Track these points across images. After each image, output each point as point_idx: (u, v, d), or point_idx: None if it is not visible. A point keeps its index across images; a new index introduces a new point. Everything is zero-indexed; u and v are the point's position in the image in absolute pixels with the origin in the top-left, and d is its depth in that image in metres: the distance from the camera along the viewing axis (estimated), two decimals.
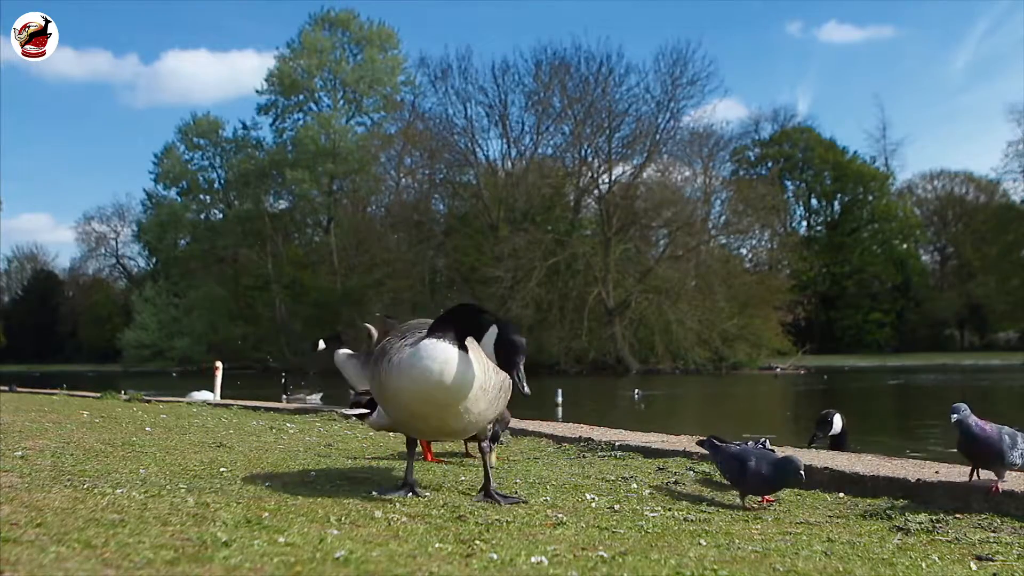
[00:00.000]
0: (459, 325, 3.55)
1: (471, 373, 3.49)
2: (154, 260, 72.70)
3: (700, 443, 4.45)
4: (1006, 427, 3.87)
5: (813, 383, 33.12)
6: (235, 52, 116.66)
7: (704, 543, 3.03)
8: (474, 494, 3.87)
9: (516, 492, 4.00)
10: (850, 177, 69.63)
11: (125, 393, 12.00)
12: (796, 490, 4.38)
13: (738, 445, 4.21)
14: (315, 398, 12.58)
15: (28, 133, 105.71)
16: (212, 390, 13.08)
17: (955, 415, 3.88)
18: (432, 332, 3.54)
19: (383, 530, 2.91)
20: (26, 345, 74.58)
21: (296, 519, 2.98)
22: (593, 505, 3.78)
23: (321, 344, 8.65)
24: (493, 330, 3.45)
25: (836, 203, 71.90)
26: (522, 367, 3.41)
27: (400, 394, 3.57)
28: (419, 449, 5.22)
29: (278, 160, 64.13)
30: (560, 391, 19.63)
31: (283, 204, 66.78)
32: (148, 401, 10.70)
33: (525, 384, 3.37)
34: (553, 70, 51.42)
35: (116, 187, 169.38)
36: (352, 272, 55.86)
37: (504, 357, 3.43)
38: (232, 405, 9.83)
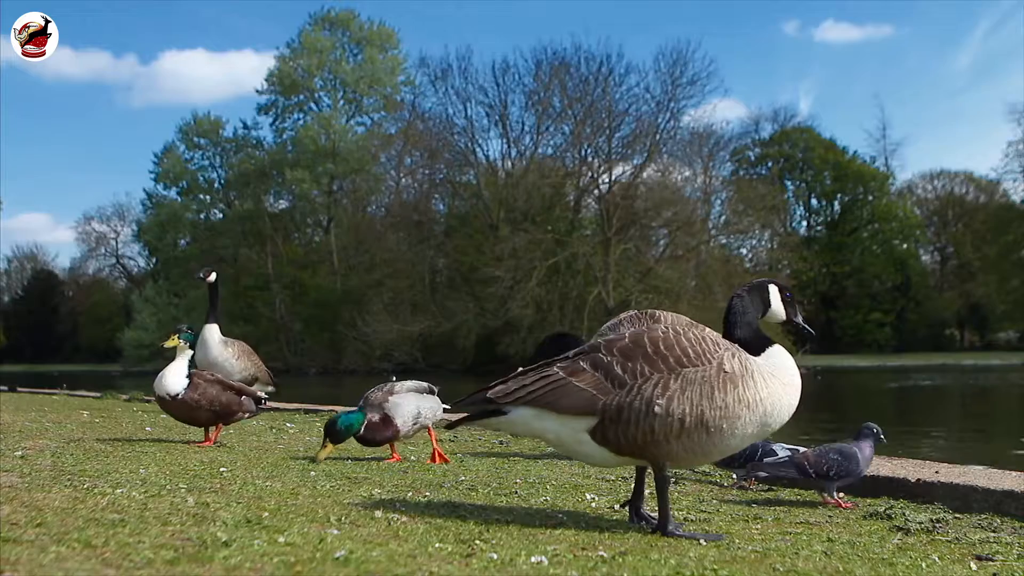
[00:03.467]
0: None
1: None
2: (154, 260, 72.69)
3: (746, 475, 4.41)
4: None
5: (808, 383, 33.10)
6: (233, 52, 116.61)
7: (704, 543, 3.03)
8: (474, 493, 3.86)
9: (517, 493, 4.00)
10: (850, 177, 69.63)
11: (125, 393, 12.00)
12: (796, 490, 4.38)
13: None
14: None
15: (28, 133, 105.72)
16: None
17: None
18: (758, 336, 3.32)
19: (383, 530, 2.91)
20: (26, 345, 74.58)
21: (296, 519, 2.98)
22: (593, 505, 3.78)
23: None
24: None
25: (836, 203, 71.92)
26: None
27: (768, 405, 3.16)
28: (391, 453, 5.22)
29: (278, 160, 64.14)
30: None
31: (283, 204, 66.80)
32: (148, 401, 10.69)
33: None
34: (553, 70, 51.43)
35: (116, 187, 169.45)
36: (352, 272, 55.84)
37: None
38: None
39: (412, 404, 5.08)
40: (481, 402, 3.25)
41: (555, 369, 3.23)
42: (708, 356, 3.17)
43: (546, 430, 3.24)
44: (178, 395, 5.37)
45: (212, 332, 8.40)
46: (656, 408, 3.10)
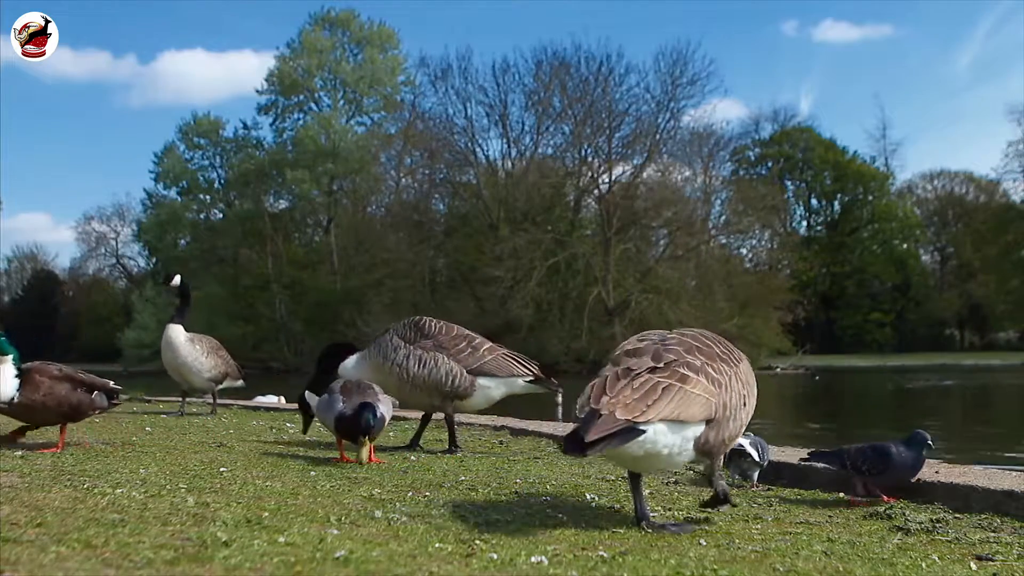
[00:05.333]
0: None
1: None
2: (154, 260, 72.70)
3: (807, 459, 4.37)
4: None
5: (807, 383, 33.14)
6: (232, 52, 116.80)
7: (704, 543, 3.03)
8: (474, 493, 3.86)
9: (517, 492, 4.00)
10: (850, 177, 69.69)
11: (126, 393, 11.98)
12: (796, 490, 4.38)
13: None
14: None
15: (28, 133, 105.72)
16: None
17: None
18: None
19: (383, 530, 2.91)
20: (26, 345, 74.08)
21: (296, 519, 2.98)
22: (593, 505, 3.78)
23: None
24: None
25: (836, 203, 72.01)
26: None
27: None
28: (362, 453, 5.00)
29: (278, 160, 64.14)
30: (560, 391, 19.58)
31: (283, 204, 66.82)
32: (148, 401, 10.69)
33: None
34: (553, 70, 51.47)
35: (116, 187, 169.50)
36: (352, 272, 55.85)
37: None
38: (232, 405, 9.82)
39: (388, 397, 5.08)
40: (622, 424, 2.91)
41: (658, 378, 3.07)
42: (737, 353, 3.40)
43: (669, 444, 3.09)
44: (13, 399, 4.87)
45: (176, 333, 8.22)
46: (745, 403, 3.30)
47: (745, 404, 3.31)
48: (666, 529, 3.19)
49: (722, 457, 3.37)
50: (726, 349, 3.37)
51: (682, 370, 3.12)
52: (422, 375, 5.56)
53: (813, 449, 4.44)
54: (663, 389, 3.03)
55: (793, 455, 4.90)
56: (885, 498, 4.01)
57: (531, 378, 5.75)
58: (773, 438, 5.03)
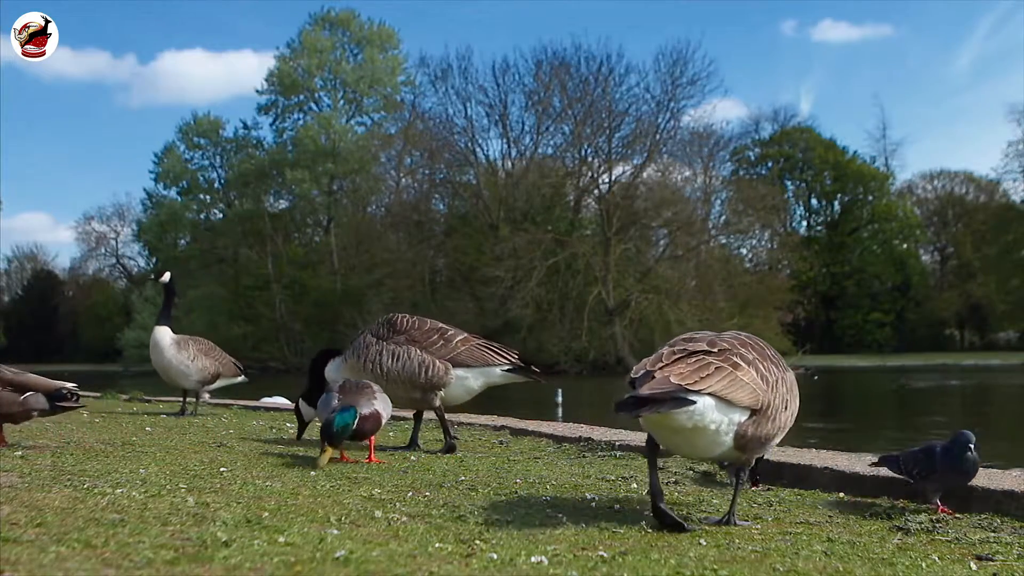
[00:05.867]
0: None
1: None
2: (154, 260, 72.71)
3: (876, 463, 4.23)
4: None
5: (806, 383, 33.14)
6: (231, 52, 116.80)
7: (704, 543, 3.03)
8: (474, 493, 3.86)
9: (517, 492, 4.00)
10: (850, 177, 69.67)
11: (126, 393, 11.99)
12: (796, 490, 4.38)
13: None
14: None
15: (28, 133, 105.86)
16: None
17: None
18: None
19: (383, 530, 2.91)
20: (26, 345, 74.59)
21: (296, 519, 2.98)
22: (593, 505, 3.78)
23: None
24: None
25: (836, 203, 71.98)
26: None
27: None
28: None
29: (278, 160, 64.17)
30: (560, 391, 19.61)
31: (283, 204, 66.87)
32: (148, 401, 10.69)
33: None
34: (553, 70, 51.49)
35: (116, 187, 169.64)
36: (352, 272, 55.88)
37: None
38: (232, 405, 9.82)
39: (386, 396, 5.07)
40: (673, 388, 3.00)
41: (712, 359, 3.19)
42: (785, 363, 3.55)
43: (716, 422, 3.15)
44: None
45: (163, 335, 8.15)
46: (787, 407, 3.37)
47: (787, 407, 3.38)
48: (670, 515, 3.24)
49: (754, 461, 3.42)
50: (776, 355, 3.48)
51: (735, 358, 3.24)
52: (396, 369, 5.58)
53: (883, 454, 4.27)
54: (716, 368, 3.16)
55: (794, 455, 4.90)
56: (942, 508, 3.80)
57: (509, 367, 5.74)
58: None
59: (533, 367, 5.82)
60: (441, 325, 5.88)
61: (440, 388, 5.67)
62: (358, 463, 4.93)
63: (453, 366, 5.65)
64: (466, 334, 5.83)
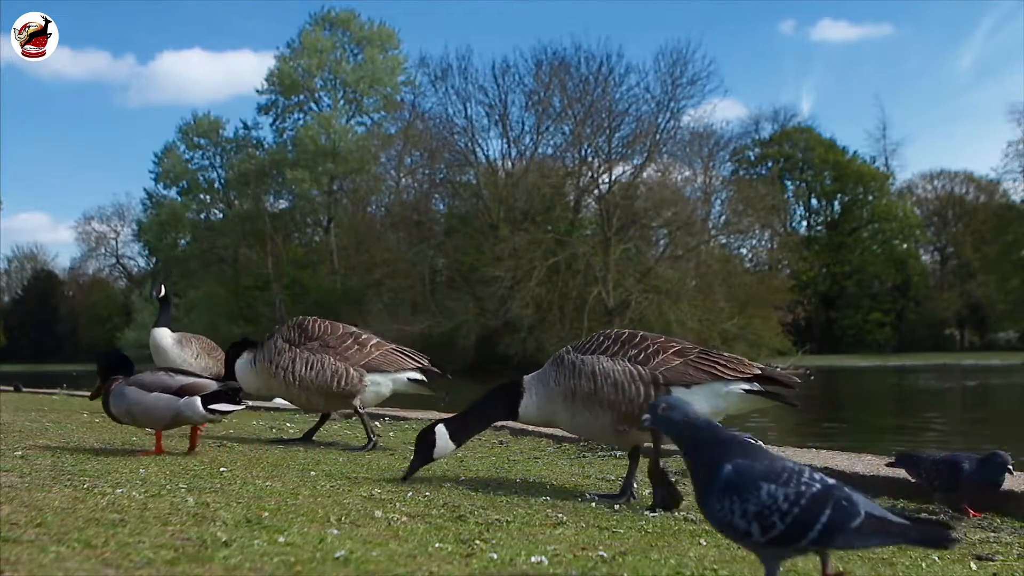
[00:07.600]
0: None
1: None
2: (154, 260, 72.72)
3: (892, 464, 4.11)
4: None
5: (805, 383, 33.06)
6: (231, 52, 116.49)
7: (704, 543, 3.03)
8: (474, 493, 3.86)
9: (517, 492, 4.00)
10: (850, 177, 69.63)
11: None
12: None
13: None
14: None
15: (27, 133, 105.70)
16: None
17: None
18: None
19: (383, 530, 2.91)
20: (26, 345, 74.60)
21: (296, 519, 2.98)
22: (593, 505, 3.78)
23: None
24: None
25: (836, 203, 71.92)
26: None
27: None
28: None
29: (278, 160, 64.15)
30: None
31: (283, 204, 66.79)
32: None
33: None
34: (553, 70, 51.38)
35: (116, 187, 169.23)
36: (352, 272, 55.83)
37: None
38: None
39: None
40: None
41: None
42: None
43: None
44: None
45: (163, 336, 8.21)
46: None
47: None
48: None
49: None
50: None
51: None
52: (309, 377, 5.58)
53: (901, 451, 4.17)
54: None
55: (794, 455, 4.90)
56: (972, 513, 3.77)
57: (418, 375, 5.74)
58: (773, 439, 5.03)
59: (447, 375, 5.85)
60: (354, 329, 5.86)
61: (354, 396, 5.66)
62: (358, 463, 4.93)
63: (368, 371, 5.65)
64: (378, 339, 5.83)
